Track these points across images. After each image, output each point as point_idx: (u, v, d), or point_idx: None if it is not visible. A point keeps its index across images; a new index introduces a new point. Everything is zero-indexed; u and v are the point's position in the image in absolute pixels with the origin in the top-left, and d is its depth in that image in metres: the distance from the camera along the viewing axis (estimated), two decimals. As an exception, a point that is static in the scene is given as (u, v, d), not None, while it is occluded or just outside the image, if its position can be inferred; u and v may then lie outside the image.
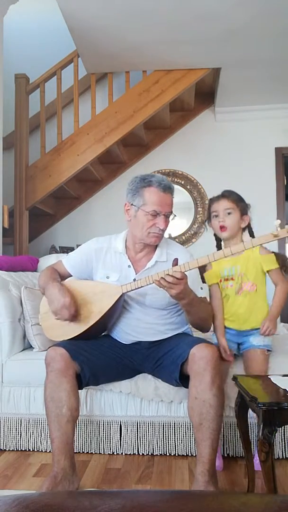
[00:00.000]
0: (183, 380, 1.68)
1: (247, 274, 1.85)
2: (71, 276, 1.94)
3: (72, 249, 4.11)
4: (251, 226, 1.95)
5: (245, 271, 1.86)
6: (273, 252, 1.89)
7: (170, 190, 1.78)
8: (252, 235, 1.93)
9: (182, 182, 4.67)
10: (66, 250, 4.22)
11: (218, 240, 2.00)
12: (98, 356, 1.78)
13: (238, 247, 1.59)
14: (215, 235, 1.99)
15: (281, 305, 1.84)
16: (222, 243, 1.98)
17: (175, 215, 1.81)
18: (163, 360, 1.77)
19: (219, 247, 1.99)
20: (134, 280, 1.78)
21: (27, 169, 3.94)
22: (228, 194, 1.90)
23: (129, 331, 1.86)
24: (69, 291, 1.76)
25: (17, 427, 2.04)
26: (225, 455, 1.90)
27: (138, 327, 1.84)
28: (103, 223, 4.57)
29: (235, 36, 3.31)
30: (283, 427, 1.85)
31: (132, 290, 1.71)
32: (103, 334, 1.96)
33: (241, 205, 1.88)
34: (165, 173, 4.68)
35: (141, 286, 1.69)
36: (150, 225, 1.75)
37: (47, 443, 1.99)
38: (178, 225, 4.69)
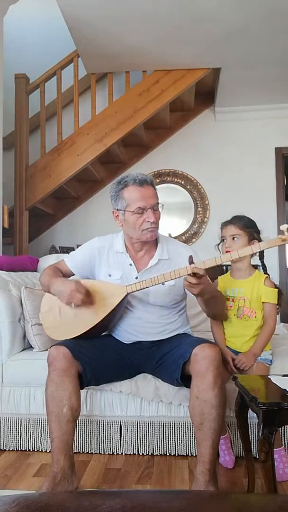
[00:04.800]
0: (184, 380, 1.68)
1: (249, 299, 1.88)
2: (73, 275, 1.93)
3: (72, 249, 4.11)
4: (262, 250, 1.96)
5: (249, 296, 1.88)
6: (276, 287, 1.90)
7: (147, 183, 1.75)
8: (262, 258, 1.96)
9: (182, 182, 4.68)
10: (66, 250, 4.22)
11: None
12: (100, 356, 1.77)
13: (246, 250, 1.61)
14: None
15: (264, 344, 1.86)
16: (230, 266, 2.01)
17: (163, 205, 1.79)
18: (164, 360, 1.77)
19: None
20: (136, 278, 1.78)
21: (27, 169, 3.94)
22: (236, 220, 1.90)
23: (130, 330, 1.86)
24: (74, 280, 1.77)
25: (17, 427, 2.04)
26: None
27: (140, 327, 1.84)
28: (103, 223, 4.55)
29: (235, 36, 3.32)
30: (283, 427, 1.85)
31: (137, 290, 1.71)
32: (104, 333, 1.96)
33: (249, 231, 1.88)
34: (165, 173, 4.68)
35: (146, 287, 1.69)
36: (140, 222, 1.74)
37: (47, 443, 1.99)
38: (178, 225, 4.70)
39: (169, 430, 1.95)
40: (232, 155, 4.63)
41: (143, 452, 1.95)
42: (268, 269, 1.99)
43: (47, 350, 1.74)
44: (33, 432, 2.03)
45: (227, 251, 1.90)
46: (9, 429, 2.04)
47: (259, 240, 1.92)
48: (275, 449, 1.67)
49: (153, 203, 1.74)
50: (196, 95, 4.35)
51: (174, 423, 1.94)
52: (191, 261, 1.55)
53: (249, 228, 1.89)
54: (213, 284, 1.87)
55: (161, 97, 3.87)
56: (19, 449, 2.03)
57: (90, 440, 1.98)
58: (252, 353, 1.83)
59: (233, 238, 1.88)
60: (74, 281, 1.72)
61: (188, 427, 1.93)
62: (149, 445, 1.95)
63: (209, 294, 1.65)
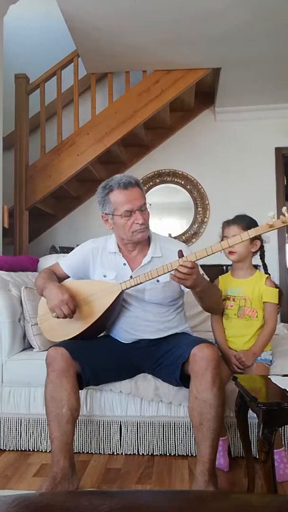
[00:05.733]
0: (183, 380, 1.68)
1: (250, 299, 1.88)
2: (69, 277, 1.94)
3: (72, 249, 4.09)
4: (263, 250, 1.96)
5: (250, 296, 1.88)
6: (277, 287, 1.90)
7: (131, 185, 1.75)
8: (263, 258, 1.96)
9: (182, 182, 4.67)
10: (66, 250, 4.22)
11: None
12: (99, 356, 1.78)
13: (235, 239, 1.59)
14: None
15: (265, 345, 1.86)
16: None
17: (150, 204, 1.80)
18: (163, 359, 1.77)
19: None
20: (131, 277, 1.78)
21: (27, 169, 3.94)
22: (239, 221, 1.90)
23: (128, 329, 1.86)
24: (68, 290, 1.76)
25: (17, 427, 2.04)
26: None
27: (138, 325, 1.84)
28: (103, 223, 4.55)
29: (235, 36, 3.31)
30: (283, 427, 1.85)
31: (131, 286, 1.71)
32: (103, 334, 1.96)
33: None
34: (165, 173, 4.68)
35: (140, 283, 1.69)
36: (129, 225, 1.75)
37: (47, 443, 1.99)
38: (178, 225, 4.70)
39: (169, 430, 1.95)
40: (232, 155, 4.63)
41: (143, 452, 1.95)
42: (268, 269, 1.99)
43: (47, 350, 1.74)
44: (33, 432, 2.03)
45: (229, 252, 1.90)
46: (9, 429, 2.04)
47: (261, 240, 1.92)
48: (275, 450, 1.67)
49: (139, 204, 1.75)
50: (196, 95, 4.35)
51: (174, 423, 1.94)
52: (180, 255, 1.57)
53: (250, 228, 1.89)
54: (206, 279, 1.88)
55: (161, 97, 3.87)
56: (19, 449, 2.03)
57: (90, 440, 1.98)
58: (252, 352, 1.83)
59: None
60: (66, 293, 1.70)
61: (188, 427, 1.93)
62: (149, 445, 1.95)
63: (202, 287, 1.64)
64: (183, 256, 1.56)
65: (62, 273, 1.93)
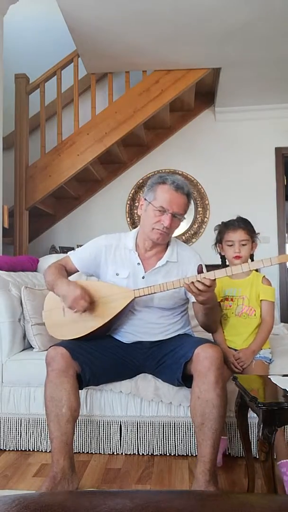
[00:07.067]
0: (184, 380, 1.68)
1: (248, 298, 1.89)
2: (78, 271, 1.93)
3: (72, 249, 4.09)
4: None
5: (248, 295, 1.89)
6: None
7: (182, 191, 1.77)
8: (252, 256, 1.99)
9: (182, 182, 4.67)
10: (66, 250, 4.22)
11: (224, 260, 2.02)
12: (99, 356, 1.77)
13: (257, 263, 1.61)
14: (221, 255, 2.02)
15: (263, 342, 1.87)
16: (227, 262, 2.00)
17: (184, 218, 1.81)
18: (165, 359, 1.77)
19: (224, 266, 2.04)
20: (143, 278, 1.79)
21: (27, 169, 3.94)
22: (244, 225, 1.91)
23: (131, 330, 1.86)
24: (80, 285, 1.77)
25: (17, 427, 2.04)
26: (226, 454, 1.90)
27: (141, 327, 1.84)
28: (103, 223, 4.57)
29: (235, 36, 3.32)
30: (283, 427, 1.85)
31: (144, 295, 1.71)
32: (103, 334, 1.96)
33: (254, 236, 1.92)
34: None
35: (154, 293, 1.70)
36: (155, 220, 1.76)
37: (47, 443, 1.99)
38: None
39: (169, 430, 1.95)
40: (232, 155, 4.63)
41: (143, 452, 1.95)
42: (268, 269, 2.00)
43: (47, 350, 1.73)
44: (33, 432, 2.03)
45: (236, 256, 1.89)
46: (9, 429, 2.04)
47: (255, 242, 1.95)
48: (283, 461, 1.65)
49: (176, 211, 1.76)
50: (196, 95, 4.35)
51: (174, 423, 1.94)
52: (200, 270, 1.57)
53: (253, 233, 1.92)
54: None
55: (161, 97, 3.87)
56: (19, 449, 2.03)
57: (90, 440, 1.98)
58: (251, 350, 1.83)
59: (243, 244, 1.89)
60: (79, 287, 1.71)
61: (188, 427, 1.93)
62: (149, 445, 1.95)
63: (212, 305, 1.67)
64: (202, 272, 1.57)
65: (72, 267, 1.92)
